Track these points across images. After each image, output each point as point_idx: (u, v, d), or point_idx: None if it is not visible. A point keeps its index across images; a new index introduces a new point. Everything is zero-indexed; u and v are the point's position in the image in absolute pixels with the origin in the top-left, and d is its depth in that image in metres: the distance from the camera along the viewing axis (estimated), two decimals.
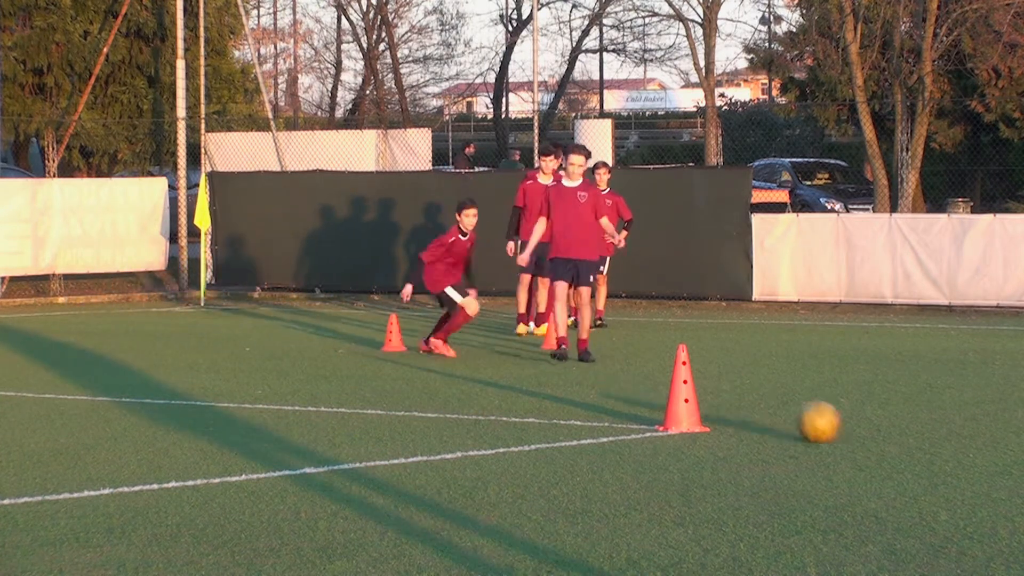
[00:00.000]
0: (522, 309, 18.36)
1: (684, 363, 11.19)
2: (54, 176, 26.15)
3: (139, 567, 7.45)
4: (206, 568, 7.43)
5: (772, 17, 44.89)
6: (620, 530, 8.07)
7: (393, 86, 49.69)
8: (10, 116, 29.83)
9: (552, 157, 18.03)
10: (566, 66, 52.16)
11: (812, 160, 38.22)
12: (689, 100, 74.24)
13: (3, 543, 7.95)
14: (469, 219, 16.76)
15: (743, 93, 68.67)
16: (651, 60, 55.43)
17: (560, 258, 16.06)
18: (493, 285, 21.29)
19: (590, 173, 19.51)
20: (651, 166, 32.48)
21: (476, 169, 32.57)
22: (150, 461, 10.30)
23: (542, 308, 18.20)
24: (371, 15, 48.44)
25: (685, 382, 11.20)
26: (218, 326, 21.05)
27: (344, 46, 53.97)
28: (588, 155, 19.38)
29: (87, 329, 20.56)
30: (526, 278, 18.26)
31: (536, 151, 21.41)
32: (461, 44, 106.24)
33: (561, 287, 16.04)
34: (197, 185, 26.56)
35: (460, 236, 16.84)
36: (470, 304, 16.67)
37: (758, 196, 27.40)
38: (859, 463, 9.94)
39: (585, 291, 16.08)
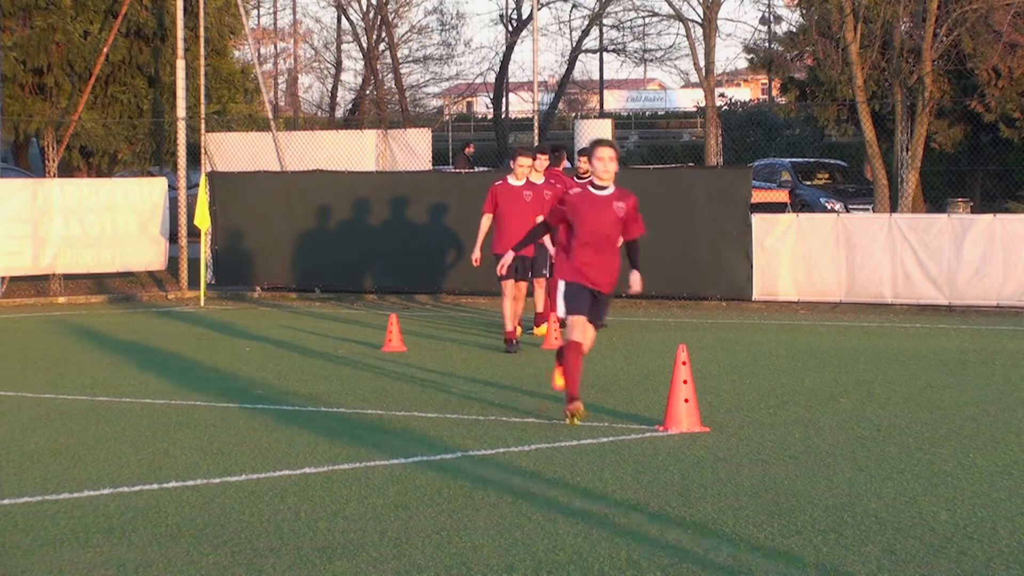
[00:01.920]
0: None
1: (684, 363, 11.20)
2: (54, 176, 26.16)
3: (139, 567, 7.45)
4: (206, 568, 7.43)
5: (772, 17, 44.93)
6: (620, 530, 8.07)
7: (393, 86, 49.71)
8: (10, 116, 29.82)
9: (544, 156, 18.51)
10: (566, 66, 52.20)
11: (812, 160, 38.23)
12: (689, 100, 74.30)
13: (3, 543, 7.95)
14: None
15: (743, 93, 68.73)
16: (651, 60, 55.47)
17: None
18: (493, 285, 21.28)
19: None
20: (651, 166, 32.47)
21: (476, 169, 32.56)
22: (150, 461, 10.30)
23: (540, 308, 18.25)
24: (371, 15, 48.50)
25: (685, 382, 11.21)
26: (218, 326, 21.05)
27: (344, 46, 54.08)
28: (558, 153, 19.57)
29: (87, 329, 20.56)
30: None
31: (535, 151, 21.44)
32: (461, 44, 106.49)
33: (508, 284, 17.04)
34: (197, 185, 26.56)
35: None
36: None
37: (758, 196, 27.39)
38: (859, 463, 9.94)
39: (522, 285, 17.23)
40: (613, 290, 11.90)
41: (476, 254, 17.40)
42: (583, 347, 11.66)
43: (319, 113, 58.29)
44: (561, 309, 11.70)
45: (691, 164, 36.14)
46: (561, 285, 11.79)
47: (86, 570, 7.42)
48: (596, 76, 63.14)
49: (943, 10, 28.88)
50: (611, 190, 11.77)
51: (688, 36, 36.31)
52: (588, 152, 12.04)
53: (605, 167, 11.68)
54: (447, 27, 57.08)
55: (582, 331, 11.65)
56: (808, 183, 34.82)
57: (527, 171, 17.40)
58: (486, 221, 17.37)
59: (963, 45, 29.87)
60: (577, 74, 57.41)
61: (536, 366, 15.58)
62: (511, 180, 17.37)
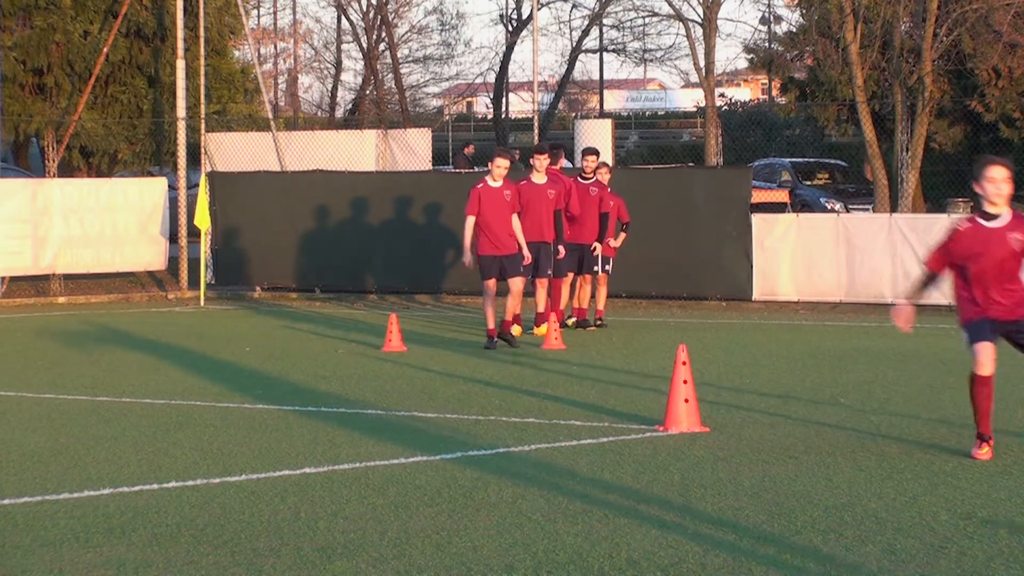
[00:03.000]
0: (514, 312, 18.41)
1: (684, 363, 11.20)
2: (54, 176, 26.15)
3: (139, 567, 7.45)
4: (206, 568, 7.43)
5: (772, 17, 44.96)
6: (620, 530, 8.07)
7: (393, 86, 49.70)
8: (10, 116, 29.82)
9: (545, 156, 18.43)
10: (566, 66, 52.15)
11: (812, 160, 38.22)
12: (689, 100, 74.29)
13: (3, 543, 7.95)
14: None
15: (743, 93, 68.69)
16: (651, 60, 55.42)
17: (488, 255, 17.33)
18: None
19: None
20: (651, 166, 32.46)
21: (476, 169, 32.56)
22: (150, 461, 10.30)
23: (540, 308, 18.25)
24: (371, 15, 48.47)
25: (685, 382, 11.21)
26: (218, 326, 21.05)
27: (344, 46, 54.04)
28: (553, 153, 19.35)
29: (87, 329, 20.56)
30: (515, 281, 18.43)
31: (535, 151, 21.47)
32: (461, 44, 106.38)
33: (491, 284, 17.32)
34: (197, 185, 26.55)
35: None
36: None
37: (758, 196, 27.38)
38: (859, 463, 9.94)
39: (515, 281, 17.44)
40: None
41: (468, 257, 17.40)
42: (991, 378, 10.25)
43: (319, 113, 58.28)
44: (966, 339, 10.46)
45: (691, 164, 36.13)
46: (965, 332, 10.57)
47: (86, 570, 7.42)
48: (596, 76, 63.12)
49: (943, 10, 28.87)
50: (1005, 219, 10.06)
51: (688, 36, 36.32)
52: (976, 174, 10.04)
53: (998, 189, 9.92)
54: (447, 27, 57.06)
55: (987, 359, 10.20)
56: (808, 183, 34.81)
57: (504, 172, 17.32)
58: (471, 223, 17.31)
59: (963, 45, 29.87)
60: (577, 74, 57.40)
61: (536, 366, 15.58)
62: (490, 181, 17.31)
